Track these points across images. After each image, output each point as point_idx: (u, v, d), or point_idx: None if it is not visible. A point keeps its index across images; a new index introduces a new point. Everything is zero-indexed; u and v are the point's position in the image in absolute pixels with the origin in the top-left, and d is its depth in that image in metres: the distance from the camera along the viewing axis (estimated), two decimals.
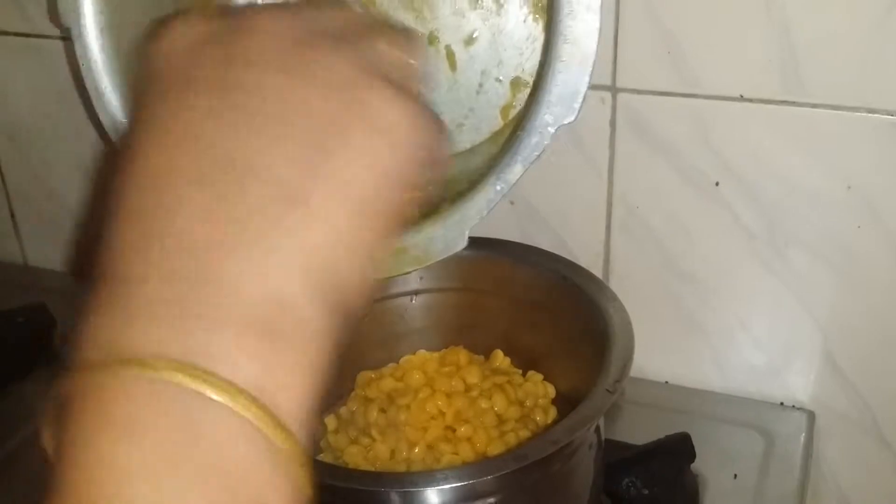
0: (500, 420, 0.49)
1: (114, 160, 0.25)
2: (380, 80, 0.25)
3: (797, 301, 0.56)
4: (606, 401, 0.41)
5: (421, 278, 0.54)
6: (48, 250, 0.76)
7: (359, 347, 0.53)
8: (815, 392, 0.58)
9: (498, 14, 0.49)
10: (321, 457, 0.50)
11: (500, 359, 0.53)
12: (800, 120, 0.51)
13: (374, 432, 0.48)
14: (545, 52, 0.42)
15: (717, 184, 0.55)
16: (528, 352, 0.54)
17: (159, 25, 0.26)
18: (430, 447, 0.47)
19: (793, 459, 0.55)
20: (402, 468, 0.47)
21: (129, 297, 0.22)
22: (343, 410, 0.52)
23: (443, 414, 0.48)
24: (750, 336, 0.58)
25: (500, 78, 0.51)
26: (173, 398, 0.20)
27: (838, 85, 0.50)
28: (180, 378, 0.20)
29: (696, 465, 0.53)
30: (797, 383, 0.58)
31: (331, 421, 0.51)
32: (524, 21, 0.48)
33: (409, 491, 0.38)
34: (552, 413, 0.51)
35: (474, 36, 0.50)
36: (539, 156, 0.43)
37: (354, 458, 0.48)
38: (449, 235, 0.44)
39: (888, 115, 0.50)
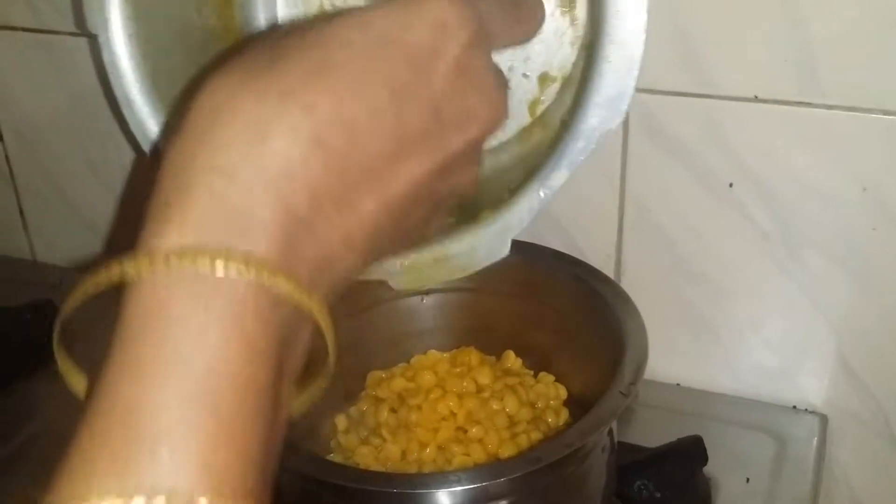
0: (512, 421, 0.49)
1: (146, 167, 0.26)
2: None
3: (810, 303, 0.56)
4: (620, 404, 0.41)
5: None
6: (57, 246, 0.76)
7: (369, 347, 0.53)
8: (828, 395, 0.58)
9: None
10: (331, 457, 0.49)
11: (512, 360, 0.53)
12: (815, 121, 0.51)
13: (384, 432, 0.48)
14: (590, 53, 0.42)
15: (730, 185, 0.54)
16: (540, 353, 0.53)
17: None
18: (441, 448, 0.47)
19: (805, 463, 0.55)
20: (412, 469, 0.47)
21: (220, 188, 0.24)
22: (353, 410, 0.52)
23: (454, 415, 0.48)
24: (762, 338, 0.58)
25: (528, 73, 0.50)
26: (203, 283, 0.23)
27: (854, 86, 0.49)
28: (201, 262, 0.23)
29: (708, 469, 0.53)
30: (810, 386, 0.58)
31: (341, 421, 0.51)
32: (552, 15, 0.48)
33: (420, 493, 0.38)
34: (564, 415, 0.51)
35: None
36: (584, 160, 0.43)
37: (365, 458, 0.48)
38: (492, 244, 0.44)
39: None
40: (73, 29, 0.66)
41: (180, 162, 0.25)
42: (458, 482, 0.37)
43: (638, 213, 0.57)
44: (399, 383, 0.51)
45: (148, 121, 0.48)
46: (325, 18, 0.27)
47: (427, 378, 0.51)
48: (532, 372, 0.53)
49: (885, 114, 0.49)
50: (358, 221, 0.25)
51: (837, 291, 0.55)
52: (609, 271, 0.59)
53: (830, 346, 0.56)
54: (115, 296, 0.76)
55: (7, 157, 0.73)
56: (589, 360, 0.51)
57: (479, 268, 0.45)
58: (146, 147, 0.49)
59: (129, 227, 0.26)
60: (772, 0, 0.49)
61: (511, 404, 0.49)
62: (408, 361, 0.54)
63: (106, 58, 0.47)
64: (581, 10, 0.47)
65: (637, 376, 0.42)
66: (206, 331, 0.23)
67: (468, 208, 0.46)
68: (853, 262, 0.54)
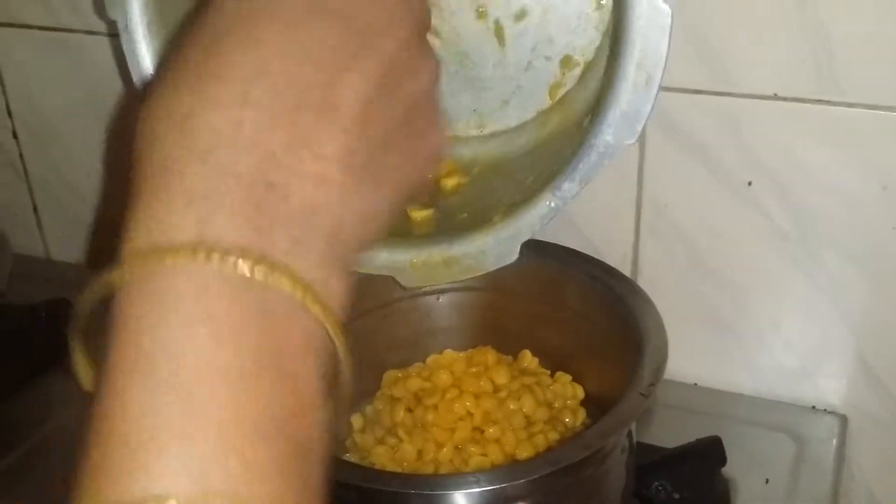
0: (529, 422, 0.48)
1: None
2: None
3: (830, 303, 0.55)
4: (640, 404, 0.41)
5: None
6: (70, 244, 0.76)
7: (385, 346, 0.53)
8: (847, 395, 0.57)
9: None
10: (347, 457, 0.49)
11: (529, 359, 0.53)
12: (835, 119, 0.50)
13: (400, 432, 0.48)
14: (610, 69, 0.42)
15: (749, 184, 0.54)
16: (557, 352, 0.53)
17: None
18: (457, 448, 0.47)
19: (824, 464, 0.54)
20: (429, 469, 0.46)
21: (177, 183, 0.23)
22: (369, 410, 0.51)
23: (471, 415, 0.48)
24: (781, 338, 0.57)
25: (550, 56, 0.49)
26: (236, 284, 0.22)
27: (874, 83, 0.49)
28: (241, 265, 0.22)
29: (727, 470, 0.52)
30: (829, 386, 0.57)
31: (357, 420, 0.51)
32: None
33: (439, 494, 0.38)
34: (581, 415, 0.50)
35: (525, 10, 0.49)
36: (597, 175, 0.43)
37: (381, 458, 0.47)
38: (501, 248, 0.44)
39: None
40: (88, 27, 0.66)
41: (145, 169, 0.24)
42: (478, 483, 0.37)
43: (655, 212, 0.57)
44: (415, 383, 0.51)
45: None
46: None
47: (443, 377, 0.51)
48: (549, 371, 0.53)
49: None
50: (329, 160, 0.24)
51: (857, 291, 0.54)
52: (626, 270, 0.58)
53: (850, 347, 0.56)
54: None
55: (21, 155, 0.74)
56: (606, 360, 0.51)
57: (485, 271, 0.45)
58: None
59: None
60: None
61: (528, 404, 0.49)
62: (424, 361, 0.54)
63: (124, 45, 0.47)
64: None
65: (657, 377, 0.42)
66: (195, 328, 0.22)
67: (481, 211, 0.46)
68: (873, 262, 0.53)
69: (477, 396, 0.48)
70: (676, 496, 0.49)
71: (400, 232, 0.47)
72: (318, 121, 0.24)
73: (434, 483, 0.40)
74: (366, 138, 0.25)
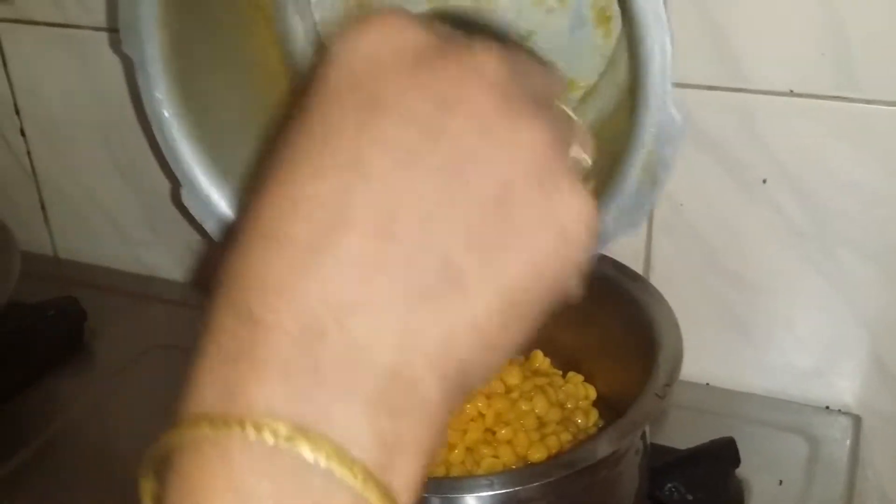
0: (541, 423, 0.48)
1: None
2: (567, 162, 0.23)
3: (844, 301, 0.55)
4: (656, 406, 0.40)
5: None
6: (78, 242, 0.75)
7: None
8: (861, 395, 0.57)
9: (556, 14, 0.48)
10: None
11: (540, 359, 0.52)
12: (852, 116, 0.50)
13: None
14: (615, 159, 0.41)
15: (764, 181, 0.53)
16: (568, 352, 0.53)
17: (361, 19, 0.23)
18: (469, 450, 0.46)
19: (838, 465, 0.54)
20: (440, 471, 0.46)
21: (252, 343, 0.20)
22: None
23: (482, 416, 0.47)
24: (795, 337, 0.57)
25: None
26: (289, 466, 0.19)
27: (892, 80, 0.48)
28: (299, 445, 0.19)
29: (740, 470, 0.52)
30: (843, 386, 0.57)
31: None
32: (584, 25, 0.47)
33: (451, 497, 0.37)
34: (593, 416, 0.50)
35: (530, 33, 0.49)
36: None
37: None
38: None
39: None
40: (96, 23, 0.65)
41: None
42: (490, 486, 0.37)
43: (668, 209, 0.56)
44: None
45: (181, 140, 0.47)
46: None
47: None
48: (560, 372, 0.53)
49: None
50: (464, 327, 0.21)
51: (872, 290, 0.54)
52: (638, 268, 0.58)
53: (864, 346, 0.55)
54: (136, 295, 0.74)
55: (29, 153, 0.73)
56: (618, 360, 0.50)
57: None
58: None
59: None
60: None
61: (540, 405, 0.48)
62: None
63: (140, 81, 0.47)
64: (616, 22, 0.47)
65: (672, 378, 0.42)
66: None
67: None
68: (888, 260, 0.53)
69: (489, 397, 0.48)
70: (690, 497, 0.49)
71: None
72: (369, 239, 0.21)
73: (446, 486, 0.40)
74: (434, 247, 0.21)
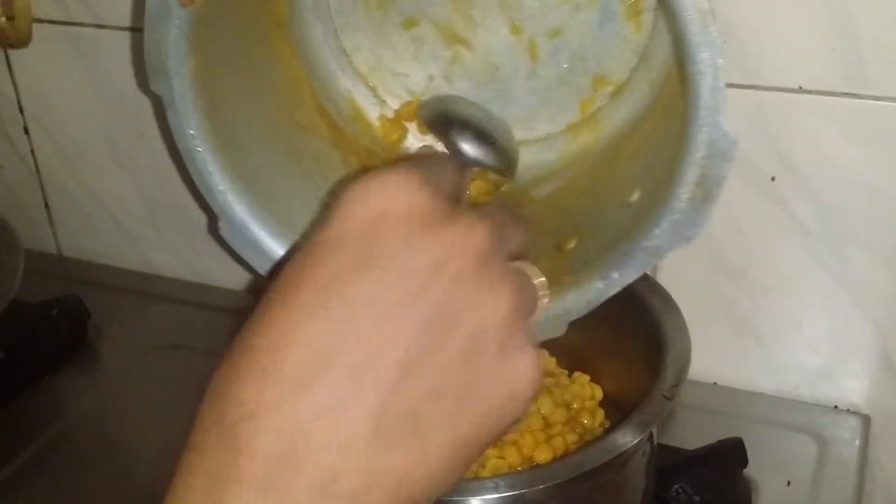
0: (547, 423, 0.47)
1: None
2: (525, 326, 0.27)
3: (853, 301, 0.54)
4: (663, 407, 0.40)
5: None
6: (83, 241, 0.75)
7: None
8: (870, 395, 0.56)
9: (586, 9, 0.48)
10: None
11: (546, 359, 0.52)
12: (862, 113, 0.49)
13: None
14: (667, 173, 0.41)
15: (772, 179, 0.53)
16: (575, 352, 0.52)
17: (370, 174, 0.27)
18: None
19: (847, 465, 0.53)
20: None
21: (235, 466, 0.23)
22: None
23: None
24: (803, 337, 0.56)
25: (583, 73, 0.49)
26: None
27: None
28: None
29: (748, 471, 0.51)
30: (852, 386, 0.56)
31: None
32: (614, 19, 0.47)
33: (456, 500, 0.37)
34: (599, 416, 0.49)
35: (560, 29, 0.48)
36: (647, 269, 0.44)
37: None
38: (549, 325, 0.45)
39: None
40: (99, 21, 0.65)
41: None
42: (496, 489, 0.36)
43: None
44: None
45: (213, 174, 0.48)
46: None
47: None
48: (566, 372, 0.52)
49: None
50: (356, 422, 0.24)
51: (881, 289, 0.53)
52: None
53: (873, 345, 0.55)
54: (140, 293, 0.74)
55: (32, 151, 0.73)
56: (625, 359, 0.50)
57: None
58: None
59: None
60: None
61: (546, 405, 0.48)
62: None
63: (171, 119, 0.47)
64: (648, 16, 0.46)
65: (680, 378, 0.41)
66: None
67: None
68: None
69: None
70: (697, 499, 0.49)
71: None
72: (347, 382, 0.24)
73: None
74: (404, 394, 0.24)
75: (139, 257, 0.73)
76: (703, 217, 0.40)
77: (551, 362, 0.52)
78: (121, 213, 0.72)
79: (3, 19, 0.64)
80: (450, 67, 0.51)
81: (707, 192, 0.40)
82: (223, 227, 0.49)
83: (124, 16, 0.64)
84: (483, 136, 0.48)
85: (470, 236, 0.26)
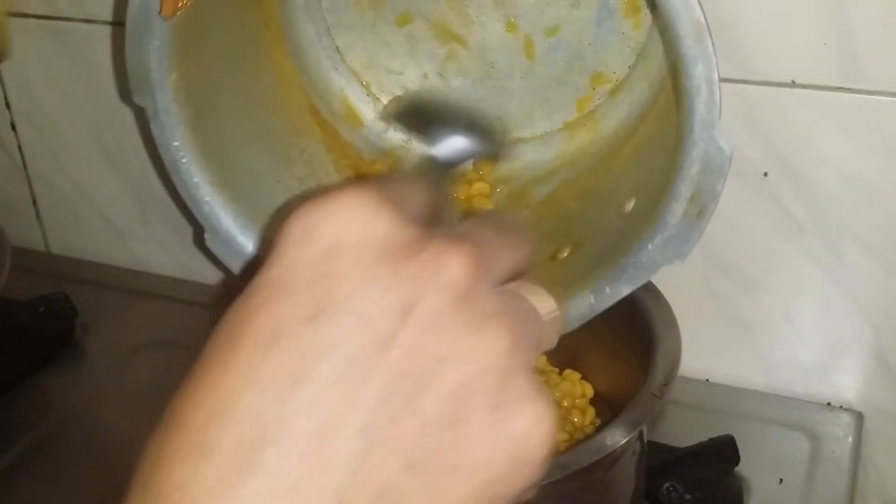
0: None
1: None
2: (527, 367, 0.22)
3: (847, 296, 0.54)
4: (653, 406, 0.39)
5: None
6: (71, 238, 0.75)
7: None
8: (864, 392, 0.56)
9: (584, 6, 0.47)
10: None
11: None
12: (856, 107, 0.49)
13: None
14: (661, 190, 0.41)
15: (765, 174, 0.52)
16: (565, 349, 0.51)
17: (320, 198, 0.22)
18: None
19: (840, 463, 0.53)
20: None
21: None
22: None
23: None
24: (796, 333, 0.56)
25: (581, 71, 0.49)
26: None
27: None
28: None
29: (740, 469, 0.51)
30: (846, 383, 0.56)
31: None
32: (612, 17, 0.46)
33: None
34: (590, 414, 0.49)
35: (557, 27, 0.48)
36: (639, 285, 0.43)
37: None
38: None
39: None
40: (86, 15, 0.64)
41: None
42: None
43: None
44: None
45: (198, 185, 0.47)
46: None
47: None
48: (557, 369, 0.52)
49: None
50: None
51: (875, 285, 0.53)
52: None
53: (867, 342, 0.55)
54: (128, 290, 0.74)
55: (20, 147, 0.72)
56: (616, 356, 0.49)
57: None
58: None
59: None
60: None
61: None
62: None
63: (154, 131, 0.46)
64: (647, 13, 0.46)
65: (670, 377, 0.41)
66: None
67: None
68: (892, 254, 0.52)
69: None
70: (688, 497, 0.48)
71: None
72: (298, 462, 0.20)
73: None
74: (370, 471, 0.20)
75: (128, 254, 0.73)
76: (697, 233, 0.40)
77: (542, 360, 0.52)
78: (109, 209, 0.72)
79: None
80: (445, 65, 0.51)
81: (701, 208, 0.39)
82: (209, 239, 0.48)
83: (112, 11, 0.63)
84: (466, 125, 0.47)
85: (442, 267, 0.21)
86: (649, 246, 0.41)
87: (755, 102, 0.50)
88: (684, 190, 0.39)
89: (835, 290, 0.54)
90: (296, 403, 0.20)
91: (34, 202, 0.75)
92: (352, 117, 0.53)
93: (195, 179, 0.46)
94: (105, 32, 0.64)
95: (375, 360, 0.20)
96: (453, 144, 0.41)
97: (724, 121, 0.51)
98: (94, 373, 0.64)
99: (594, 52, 0.48)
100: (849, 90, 0.48)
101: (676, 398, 0.56)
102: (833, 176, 0.51)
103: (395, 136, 0.53)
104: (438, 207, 0.25)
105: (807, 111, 0.50)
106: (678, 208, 0.40)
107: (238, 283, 0.53)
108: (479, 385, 0.21)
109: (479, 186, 0.50)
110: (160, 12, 0.42)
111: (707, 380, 0.59)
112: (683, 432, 0.52)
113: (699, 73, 0.37)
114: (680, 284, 0.55)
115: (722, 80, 0.50)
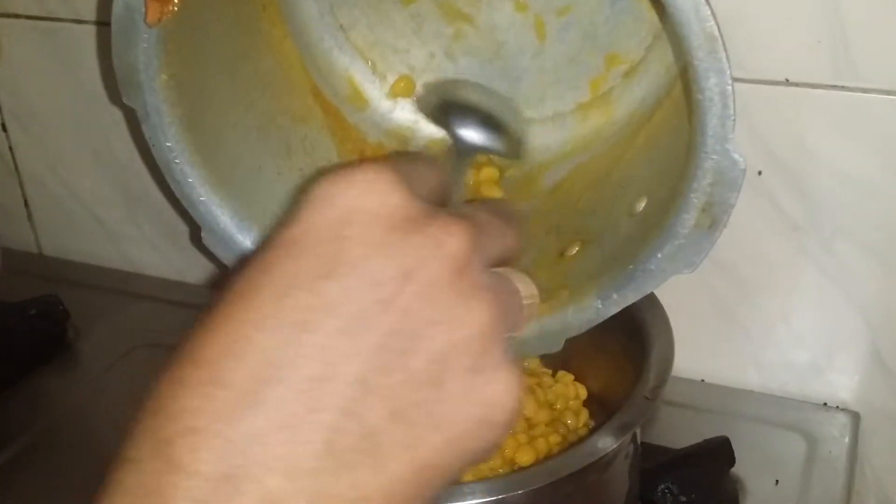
0: (530, 424, 0.47)
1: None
2: (503, 343, 0.24)
3: (843, 295, 0.53)
4: (645, 409, 0.39)
5: None
6: (63, 239, 0.74)
7: None
8: (860, 392, 0.55)
9: None
10: None
11: (530, 358, 0.51)
12: (850, 105, 0.48)
13: None
14: (672, 196, 0.40)
15: (759, 173, 0.52)
16: (558, 351, 0.51)
17: (340, 171, 0.24)
18: None
19: (837, 464, 0.53)
20: None
21: (169, 484, 0.21)
22: None
23: None
24: (792, 332, 0.55)
25: (595, 51, 0.47)
26: None
27: (892, 68, 0.47)
28: None
29: (735, 470, 0.51)
30: (842, 382, 0.56)
31: None
32: None
33: None
34: (583, 416, 0.49)
35: (569, 6, 0.47)
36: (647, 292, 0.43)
37: None
38: (546, 341, 0.44)
39: None
40: (77, 16, 0.64)
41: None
42: (473, 495, 0.35)
43: None
44: None
45: (192, 184, 0.46)
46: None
47: None
48: (550, 371, 0.51)
49: None
50: (303, 443, 0.22)
51: (872, 284, 0.53)
52: None
53: (864, 341, 0.54)
54: (121, 292, 0.73)
55: (11, 148, 0.72)
56: (609, 357, 0.49)
57: (525, 357, 0.47)
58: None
59: None
60: None
61: (528, 406, 0.47)
62: None
63: (146, 132, 0.45)
64: None
65: (663, 379, 0.40)
66: None
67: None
68: (888, 253, 0.51)
69: None
70: (683, 499, 0.48)
71: None
72: (299, 398, 0.22)
73: None
74: (360, 414, 0.22)
75: (120, 255, 0.72)
76: (709, 244, 0.39)
77: (535, 361, 0.51)
78: (101, 211, 0.71)
79: None
80: (452, 44, 0.50)
81: (714, 220, 0.38)
82: (206, 238, 0.47)
83: (103, 11, 0.63)
84: (486, 120, 0.45)
85: (444, 241, 0.24)
86: (659, 254, 0.40)
87: (749, 101, 0.50)
88: (696, 201, 0.38)
89: (830, 289, 0.53)
90: (303, 348, 0.22)
91: (26, 204, 0.74)
92: (357, 97, 0.52)
93: (190, 179, 0.46)
94: (96, 33, 0.64)
95: (376, 318, 0.22)
96: (475, 135, 0.40)
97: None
98: (86, 375, 0.63)
99: (608, 32, 0.47)
100: (843, 88, 0.48)
101: (671, 399, 0.56)
102: (827, 174, 0.50)
103: (402, 117, 0.52)
104: (447, 189, 0.28)
105: (801, 109, 0.49)
106: (689, 219, 0.39)
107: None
108: (463, 350, 0.23)
109: (487, 172, 0.49)
110: (145, 19, 0.41)
111: (702, 380, 0.58)
112: (679, 433, 0.52)
113: (712, 86, 0.36)
114: (674, 284, 0.54)
115: None
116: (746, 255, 0.55)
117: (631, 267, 0.42)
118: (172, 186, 0.47)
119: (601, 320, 0.43)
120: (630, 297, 0.42)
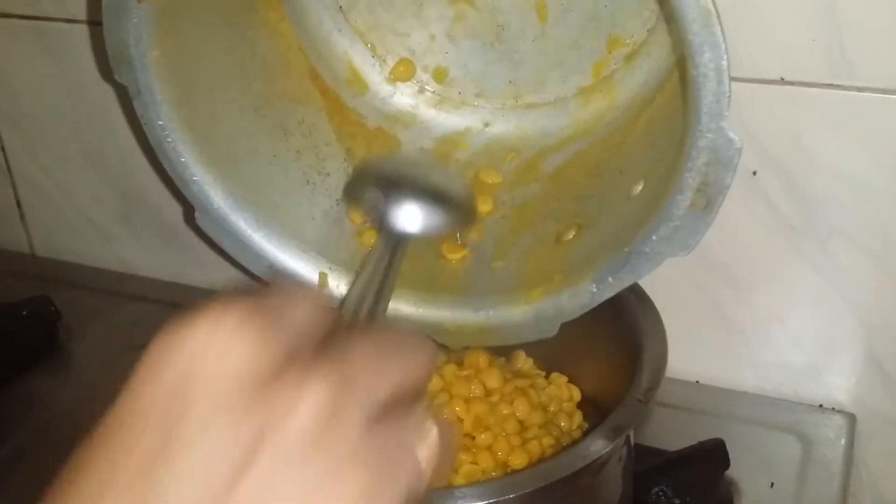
0: (523, 427, 0.46)
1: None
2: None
3: (839, 296, 0.53)
4: (638, 411, 0.39)
5: None
6: (56, 240, 0.74)
7: None
8: (856, 393, 0.55)
9: None
10: None
11: (523, 360, 0.51)
12: (845, 104, 0.48)
13: None
14: (667, 178, 0.40)
15: (754, 173, 0.51)
16: (552, 352, 0.51)
17: (182, 317, 0.21)
18: None
19: (832, 466, 0.52)
20: None
21: None
22: None
23: (461, 420, 0.46)
24: (787, 333, 0.55)
25: (598, 34, 0.47)
26: None
27: (887, 66, 0.46)
28: None
29: (730, 472, 0.50)
30: (838, 384, 0.55)
31: None
32: None
33: None
34: (577, 418, 0.48)
35: None
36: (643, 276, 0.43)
37: None
38: (541, 326, 0.44)
39: None
40: (68, 15, 0.64)
41: None
42: (464, 498, 0.35)
43: None
44: None
45: (185, 164, 0.46)
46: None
47: (432, 382, 0.48)
48: (543, 373, 0.51)
49: None
50: None
51: (867, 284, 0.52)
52: None
53: (859, 342, 0.54)
54: (113, 292, 0.72)
55: (3, 148, 0.72)
56: (603, 359, 0.49)
57: (522, 342, 0.47)
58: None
59: None
60: None
61: (522, 408, 0.46)
62: None
63: (138, 110, 0.45)
64: None
65: (656, 381, 0.40)
66: None
67: (516, 262, 0.46)
68: (884, 253, 0.51)
69: (467, 401, 0.46)
70: (677, 501, 0.48)
71: (431, 274, 0.46)
72: None
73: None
74: None
75: (113, 256, 0.72)
76: (705, 226, 0.39)
77: (528, 363, 0.51)
78: (94, 211, 0.71)
79: None
80: (453, 27, 0.49)
81: (709, 200, 0.38)
82: (200, 218, 0.47)
83: (94, 11, 0.62)
84: (425, 198, 0.40)
85: (301, 396, 0.20)
86: (654, 236, 0.40)
87: (743, 100, 0.49)
88: (691, 181, 0.38)
89: (826, 290, 0.53)
90: None
91: (18, 204, 0.74)
92: (356, 81, 0.51)
93: (183, 159, 0.45)
94: (86, 32, 0.63)
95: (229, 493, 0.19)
96: (410, 217, 0.35)
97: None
98: (78, 376, 0.63)
99: (610, 14, 0.46)
100: (839, 87, 0.48)
101: (666, 400, 0.56)
102: (823, 174, 0.50)
103: (402, 101, 0.51)
104: (332, 319, 0.23)
105: (796, 108, 0.49)
106: (684, 200, 0.38)
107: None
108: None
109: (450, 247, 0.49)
110: None
111: (697, 381, 0.58)
112: (673, 435, 0.52)
113: (707, 61, 0.35)
114: (669, 285, 0.54)
115: None
116: (741, 256, 0.54)
117: (626, 250, 0.41)
118: (165, 165, 0.46)
119: (596, 304, 0.43)
120: (625, 281, 0.42)
